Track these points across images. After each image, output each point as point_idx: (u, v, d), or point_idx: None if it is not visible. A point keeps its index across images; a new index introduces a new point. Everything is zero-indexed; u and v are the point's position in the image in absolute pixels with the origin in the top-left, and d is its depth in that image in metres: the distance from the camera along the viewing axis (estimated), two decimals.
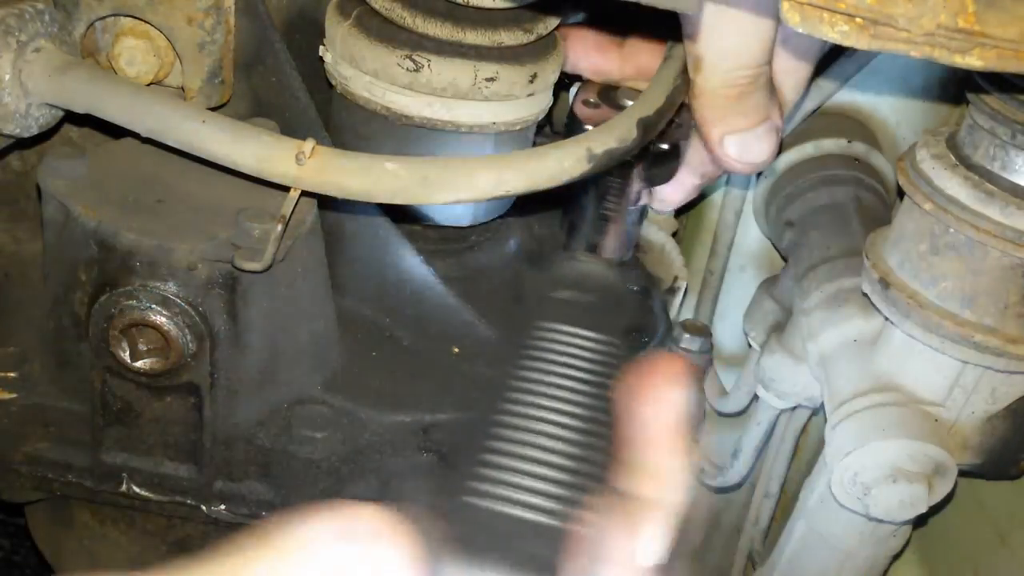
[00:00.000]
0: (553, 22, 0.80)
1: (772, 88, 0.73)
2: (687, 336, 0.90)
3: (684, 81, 0.74)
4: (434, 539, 0.33)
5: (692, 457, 0.40)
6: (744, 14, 0.66)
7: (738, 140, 0.74)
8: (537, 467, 0.37)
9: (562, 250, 0.61)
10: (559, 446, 0.38)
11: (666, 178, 0.83)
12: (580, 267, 0.50)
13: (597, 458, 0.39)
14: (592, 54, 0.85)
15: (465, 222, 0.87)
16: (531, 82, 0.79)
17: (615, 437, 0.40)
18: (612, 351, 0.44)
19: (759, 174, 1.21)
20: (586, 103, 0.83)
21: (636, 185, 0.74)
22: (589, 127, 0.79)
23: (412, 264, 0.84)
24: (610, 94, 0.84)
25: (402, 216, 0.84)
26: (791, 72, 0.75)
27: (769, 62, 0.70)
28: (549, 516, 0.36)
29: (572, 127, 0.80)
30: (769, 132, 0.74)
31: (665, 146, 0.78)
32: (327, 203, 0.77)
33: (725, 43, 0.68)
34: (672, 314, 0.95)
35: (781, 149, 1.03)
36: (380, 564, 0.31)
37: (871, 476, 0.89)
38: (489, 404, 0.40)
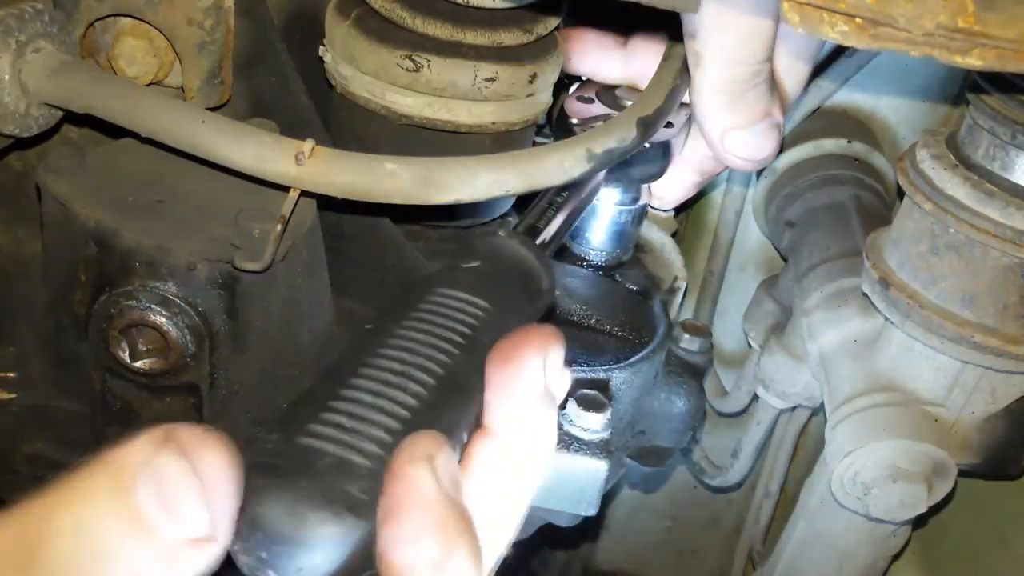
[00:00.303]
0: (553, 22, 0.80)
1: (773, 85, 0.73)
2: (687, 336, 0.90)
3: (684, 80, 0.74)
4: (250, 467, 0.34)
5: (550, 423, 0.42)
6: (745, 13, 0.66)
7: (739, 137, 0.73)
8: (377, 415, 0.38)
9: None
10: (408, 399, 0.39)
11: (646, 177, 0.82)
12: (493, 241, 0.50)
13: (448, 414, 0.40)
14: (593, 54, 0.85)
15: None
16: (531, 82, 0.79)
17: (477, 398, 0.41)
18: (493, 318, 0.45)
19: (759, 173, 1.21)
20: (580, 99, 0.82)
21: (598, 182, 0.73)
22: (575, 121, 0.79)
23: (412, 264, 0.83)
24: (610, 93, 0.84)
25: (402, 216, 0.84)
26: (792, 69, 0.75)
27: (770, 59, 0.70)
28: (375, 461, 0.36)
29: (560, 121, 0.80)
30: (770, 129, 0.74)
31: (646, 144, 0.77)
32: (327, 203, 0.77)
33: (726, 40, 0.67)
34: (672, 314, 0.95)
35: (781, 149, 1.03)
36: (196, 474, 0.32)
37: (871, 476, 0.89)
38: (354, 354, 0.41)
